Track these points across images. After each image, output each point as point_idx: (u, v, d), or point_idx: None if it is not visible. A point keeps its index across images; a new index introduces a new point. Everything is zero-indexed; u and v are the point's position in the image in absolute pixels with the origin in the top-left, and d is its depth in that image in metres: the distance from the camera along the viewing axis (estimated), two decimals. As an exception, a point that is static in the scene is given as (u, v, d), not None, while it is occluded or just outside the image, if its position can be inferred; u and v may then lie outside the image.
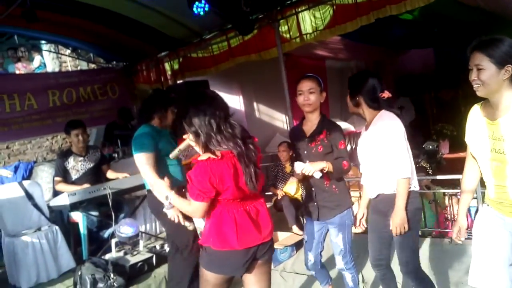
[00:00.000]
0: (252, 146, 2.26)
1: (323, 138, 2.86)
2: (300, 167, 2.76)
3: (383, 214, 2.68)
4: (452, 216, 4.29)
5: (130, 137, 6.85)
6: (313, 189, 2.94)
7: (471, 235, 2.26)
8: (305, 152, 2.90)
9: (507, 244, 2.04)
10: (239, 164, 2.18)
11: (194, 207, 2.22)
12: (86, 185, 4.30)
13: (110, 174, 4.77)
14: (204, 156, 2.17)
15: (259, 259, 2.35)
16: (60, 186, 4.46)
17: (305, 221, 3.18)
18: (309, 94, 2.85)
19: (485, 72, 1.92)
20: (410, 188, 2.59)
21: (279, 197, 5.28)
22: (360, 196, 4.62)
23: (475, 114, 2.14)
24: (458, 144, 6.16)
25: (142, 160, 3.18)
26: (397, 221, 2.54)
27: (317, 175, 2.75)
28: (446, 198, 4.53)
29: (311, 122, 2.94)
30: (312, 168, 2.72)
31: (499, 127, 1.96)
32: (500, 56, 1.89)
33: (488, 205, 2.16)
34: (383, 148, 2.61)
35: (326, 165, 2.75)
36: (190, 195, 2.19)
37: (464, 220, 2.29)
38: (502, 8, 5.58)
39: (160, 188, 2.86)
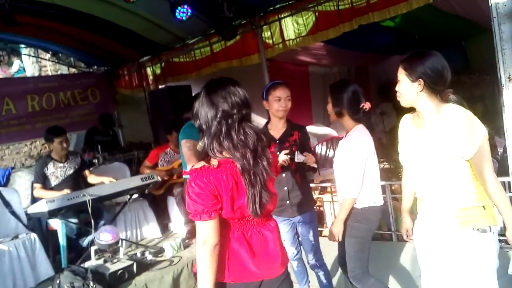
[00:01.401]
0: (265, 163, 1.77)
1: (296, 139, 3.04)
2: (302, 157, 2.90)
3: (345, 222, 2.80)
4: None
5: (111, 143, 6.88)
6: (285, 188, 3.04)
7: None
8: (278, 153, 2.97)
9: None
10: (241, 178, 1.72)
11: (204, 230, 1.67)
12: (66, 191, 4.23)
13: (93, 178, 4.71)
14: (197, 165, 1.73)
15: None
16: (39, 193, 4.39)
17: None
18: (287, 101, 2.99)
19: (401, 84, 2.08)
20: (366, 204, 2.71)
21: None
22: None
23: (404, 123, 2.24)
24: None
25: (189, 145, 3.44)
26: (333, 230, 2.74)
27: (314, 164, 2.99)
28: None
29: (280, 126, 3.08)
30: (313, 159, 2.94)
31: (423, 136, 2.07)
32: (414, 72, 2.00)
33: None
34: (343, 163, 2.74)
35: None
36: (193, 216, 1.69)
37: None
38: (479, 16, 5.71)
39: None
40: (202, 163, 1.72)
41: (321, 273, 3.19)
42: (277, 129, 3.07)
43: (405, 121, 2.23)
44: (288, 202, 3.04)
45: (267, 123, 3.16)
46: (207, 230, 1.67)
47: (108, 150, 6.29)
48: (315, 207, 3.30)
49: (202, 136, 1.77)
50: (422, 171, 2.10)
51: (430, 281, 2.15)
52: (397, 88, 2.10)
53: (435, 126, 2.02)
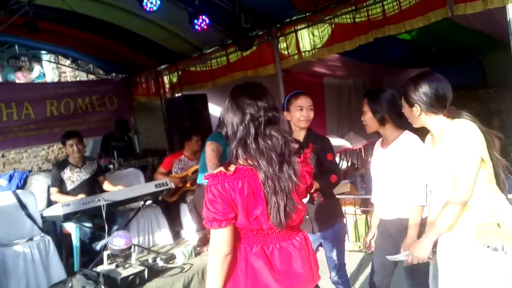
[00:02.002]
0: (291, 170, 1.66)
1: (310, 151, 2.83)
2: None
3: (392, 238, 2.60)
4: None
5: (126, 149, 6.96)
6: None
7: None
8: None
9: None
10: (260, 186, 1.63)
11: (215, 238, 1.64)
12: (81, 196, 4.29)
13: (106, 186, 4.78)
14: (216, 170, 1.68)
15: None
16: (56, 197, 4.46)
17: None
18: (309, 111, 2.87)
19: (403, 109, 2.19)
20: (425, 214, 2.48)
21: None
22: (355, 213, 4.67)
23: (426, 142, 2.28)
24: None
25: (213, 147, 3.59)
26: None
27: (305, 199, 2.72)
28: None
29: (299, 137, 2.90)
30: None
31: (435, 154, 2.10)
32: (410, 99, 2.09)
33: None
34: (404, 170, 2.49)
35: (314, 186, 2.65)
36: (206, 223, 1.65)
37: None
38: (497, 30, 5.67)
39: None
40: (220, 169, 1.66)
41: None
42: None
43: (427, 140, 2.27)
44: (307, 217, 2.85)
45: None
46: (218, 238, 1.63)
47: (124, 156, 6.36)
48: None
49: (230, 144, 1.71)
50: (438, 187, 2.12)
51: None
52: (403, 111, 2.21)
53: (442, 144, 2.05)
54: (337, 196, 4.45)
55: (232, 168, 1.63)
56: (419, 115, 2.09)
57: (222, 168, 1.65)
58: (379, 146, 2.72)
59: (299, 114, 2.85)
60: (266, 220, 1.64)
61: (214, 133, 3.84)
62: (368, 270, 3.86)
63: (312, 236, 2.93)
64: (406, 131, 2.56)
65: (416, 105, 2.07)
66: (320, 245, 3.03)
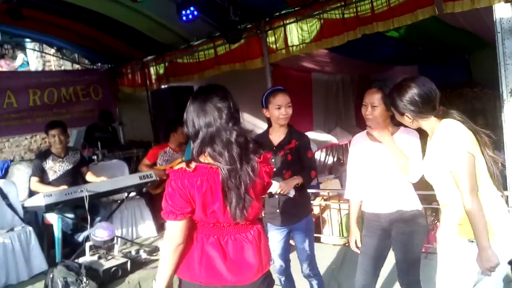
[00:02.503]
0: (249, 167, 1.77)
1: (292, 147, 2.91)
2: (276, 187, 2.74)
3: (385, 231, 2.58)
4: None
5: (110, 140, 6.88)
6: (276, 196, 2.92)
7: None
8: (273, 160, 2.88)
9: None
10: (219, 185, 1.74)
11: (170, 228, 1.78)
12: (63, 187, 4.24)
13: (89, 177, 4.72)
14: (177, 166, 1.80)
15: None
16: (36, 186, 4.40)
17: (267, 229, 3.07)
18: (287, 108, 2.89)
19: (395, 115, 2.25)
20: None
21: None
22: (340, 209, 4.68)
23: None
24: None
25: None
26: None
27: (292, 193, 2.80)
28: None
29: (280, 132, 2.97)
30: (287, 187, 2.77)
31: (428, 150, 2.19)
32: (398, 108, 2.14)
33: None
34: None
35: (299, 181, 2.80)
36: (162, 214, 1.79)
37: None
38: (483, 30, 5.73)
39: None
40: (181, 165, 1.78)
41: (314, 282, 3.09)
42: (277, 135, 2.97)
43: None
44: (278, 210, 2.94)
45: (268, 128, 3.07)
46: (173, 229, 1.77)
47: (108, 147, 6.30)
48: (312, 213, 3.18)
49: (193, 141, 1.81)
50: (432, 182, 2.18)
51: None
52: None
53: (432, 143, 2.13)
54: (325, 191, 4.51)
55: (192, 165, 1.75)
56: (411, 122, 2.15)
57: (183, 165, 1.77)
58: (365, 139, 2.67)
59: (278, 113, 2.88)
60: (222, 214, 1.77)
61: None
62: (349, 264, 3.89)
63: (282, 228, 3.01)
64: (402, 127, 2.51)
65: (405, 114, 2.11)
66: (291, 238, 3.08)
